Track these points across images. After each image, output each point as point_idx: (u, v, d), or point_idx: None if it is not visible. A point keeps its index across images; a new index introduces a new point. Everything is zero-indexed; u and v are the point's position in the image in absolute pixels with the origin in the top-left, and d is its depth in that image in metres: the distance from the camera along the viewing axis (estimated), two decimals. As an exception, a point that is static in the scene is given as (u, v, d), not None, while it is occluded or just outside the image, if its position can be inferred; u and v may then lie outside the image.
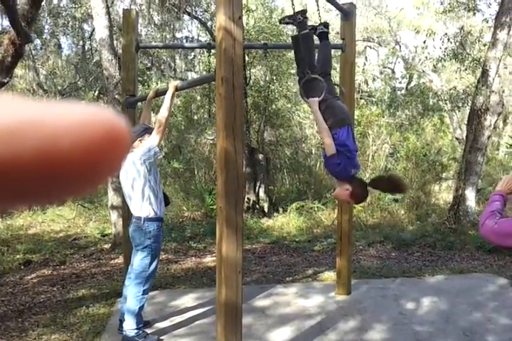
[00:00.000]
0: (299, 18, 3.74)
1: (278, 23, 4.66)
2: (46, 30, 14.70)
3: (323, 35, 3.95)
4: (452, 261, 6.68)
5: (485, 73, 8.22)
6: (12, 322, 4.21)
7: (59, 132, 0.22)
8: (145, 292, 3.78)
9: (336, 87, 4.10)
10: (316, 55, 3.94)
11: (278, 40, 10.20)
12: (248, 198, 9.70)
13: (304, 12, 3.82)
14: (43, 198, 0.23)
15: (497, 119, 9.65)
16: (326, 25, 4.00)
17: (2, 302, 4.78)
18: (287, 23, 3.97)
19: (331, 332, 3.99)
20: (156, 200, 3.77)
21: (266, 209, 9.75)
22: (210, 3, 11.59)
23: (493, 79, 8.24)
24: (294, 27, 4.06)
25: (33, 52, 14.63)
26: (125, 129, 0.24)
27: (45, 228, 8.44)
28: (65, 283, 5.46)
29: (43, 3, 8.04)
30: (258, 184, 9.97)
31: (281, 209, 9.67)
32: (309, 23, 4.09)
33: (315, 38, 3.91)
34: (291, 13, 3.85)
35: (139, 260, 3.75)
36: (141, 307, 3.78)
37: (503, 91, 11.14)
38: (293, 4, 3.65)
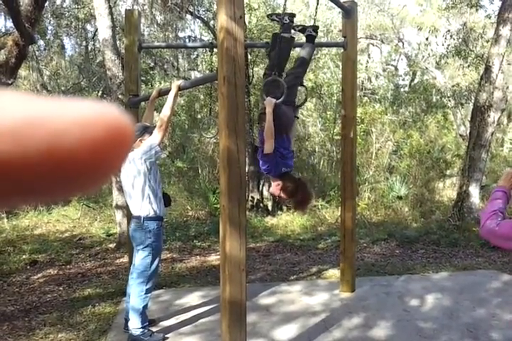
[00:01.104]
0: (285, 20, 3.84)
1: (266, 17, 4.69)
2: (49, 31, 14.75)
3: (310, 38, 4.04)
4: (456, 257, 6.69)
5: (488, 69, 8.20)
6: (19, 322, 4.25)
7: (64, 129, 0.22)
8: (148, 291, 3.81)
9: (300, 92, 4.27)
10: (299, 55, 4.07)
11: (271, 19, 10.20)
12: (252, 197, 9.72)
13: (292, 15, 3.95)
14: (46, 195, 0.23)
15: (500, 115, 9.64)
16: (315, 28, 4.09)
17: (9, 302, 4.82)
18: (273, 20, 4.07)
19: (336, 329, 4.01)
20: (155, 199, 3.79)
21: (270, 208, 9.77)
22: (213, 3, 11.61)
23: (497, 76, 8.22)
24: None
25: (37, 53, 14.69)
26: (130, 127, 0.24)
27: (51, 228, 8.49)
28: (71, 283, 5.50)
29: (46, 4, 8.07)
30: (262, 182, 9.99)
31: (285, 208, 9.69)
32: (304, 24, 4.21)
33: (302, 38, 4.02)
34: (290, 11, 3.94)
35: (141, 259, 3.77)
36: (145, 306, 3.80)
37: (507, 88, 11.12)
38: (285, 5, 3.77)
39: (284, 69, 3.86)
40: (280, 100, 3.59)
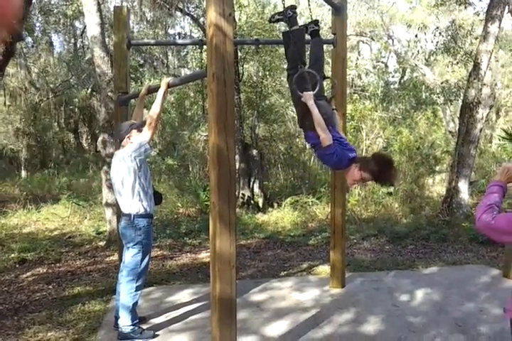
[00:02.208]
0: (288, 13, 3.77)
1: (268, 22, 4.60)
2: (37, 28, 14.62)
3: (315, 33, 3.98)
4: (445, 252, 6.75)
5: (476, 66, 8.26)
6: (8, 321, 4.22)
7: None
8: (138, 288, 3.80)
9: (326, 83, 4.15)
10: (308, 53, 3.98)
11: (270, 36, 10.21)
12: (243, 194, 9.73)
13: (293, 7, 3.84)
14: None
15: (489, 112, 9.71)
16: (316, 23, 4.03)
17: (-2, 301, 4.79)
18: (278, 21, 3.99)
19: (326, 325, 4.03)
20: (145, 197, 3.78)
21: (261, 205, 9.78)
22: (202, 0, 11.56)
23: (485, 73, 8.29)
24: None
25: (25, 50, 14.55)
26: None
27: (40, 226, 8.43)
28: (60, 281, 5.47)
29: (34, 1, 7.99)
30: (252, 179, 10.00)
31: (275, 204, 9.71)
32: (300, 21, 4.14)
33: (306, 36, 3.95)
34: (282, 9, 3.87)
35: (131, 257, 3.76)
36: (135, 304, 3.80)
37: (495, 85, 11.21)
38: (283, 0, 3.65)
39: (305, 61, 3.74)
40: (316, 90, 3.51)
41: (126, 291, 3.76)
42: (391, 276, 5.45)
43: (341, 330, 3.91)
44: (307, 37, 3.96)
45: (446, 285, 5.06)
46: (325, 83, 4.49)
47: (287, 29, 3.88)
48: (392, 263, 6.10)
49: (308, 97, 3.49)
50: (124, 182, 3.72)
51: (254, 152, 10.09)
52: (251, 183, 9.95)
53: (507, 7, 8.48)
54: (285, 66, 10.86)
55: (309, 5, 4.46)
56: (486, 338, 3.71)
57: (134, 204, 3.72)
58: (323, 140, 3.39)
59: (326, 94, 4.05)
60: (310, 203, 9.40)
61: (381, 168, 3.36)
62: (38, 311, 4.47)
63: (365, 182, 3.77)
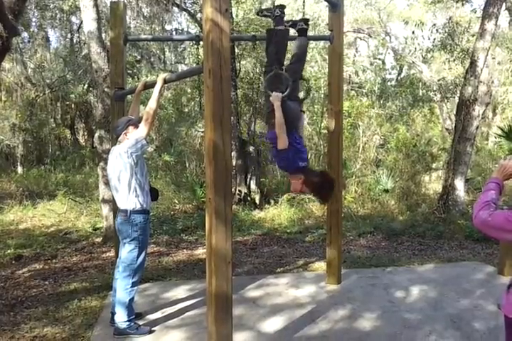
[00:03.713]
0: (276, 12, 3.84)
1: (256, 14, 4.67)
2: (34, 23, 14.55)
3: (302, 31, 4.04)
4: (441, 250, 6.77)
5: (473, 64, 8.27)
6: (4, 316, 4.22)
7: None
8: (134, 284, 3.81)
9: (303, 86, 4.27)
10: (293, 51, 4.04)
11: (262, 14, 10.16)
12: (240, 190, 9.72)
13: (282, 7, 3.92)
14: None
15: (485, 109, 9.73)
16: (306, 21, 4.09)
17: (-6, 297, 4.78)
18: (265, 16, 4.05)
19: (322, 321, 4.05)
20: (142, 193, 3.78)
21: (257, 201, 9.78)
22: (199, -5, 11.52)
23: (481, 70, 8.29)
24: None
25: (21, 45, 14.48)
26: None
27: (36, 223, 8.42)
28: (56, 277, 5.47)
29: (30, -4, 7.95)
30: (249, 176, 9.99)
31: (272, 201, 9.71)
32: (293, 18, 4.20)
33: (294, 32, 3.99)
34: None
35: (127, 253, 3.76)
36: (131, 300, 3.80)
37: (492, 82, 11.23)
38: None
39: (283, 62, 3.85)
40: (286, 93, 3.61)
41: (122, 287, 3.76)
42: (387, 273, 5.47)
43: (337, 326, 3.93)
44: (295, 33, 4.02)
45: (441, 281, 5.08)
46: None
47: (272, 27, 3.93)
48: (388, 260, 6.12)
49: (276, 98, 3.59)
50: (121, 178, 3.71)
51: (251, 148, 10.08)
52: (248, 180, 9.95)
53: (504, 5, 8.48)
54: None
55: (304, 3, 4.48)
56: (481, 334, 3.73)
57: (130, 200, 3.72)
58: (279, 143, 3.55)
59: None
60: (307, 200, 9.41)
61: (322, 188, 3.67)
62: (34, 307, 4.47)
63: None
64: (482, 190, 2.24)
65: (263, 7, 11.10)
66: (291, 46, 4.27)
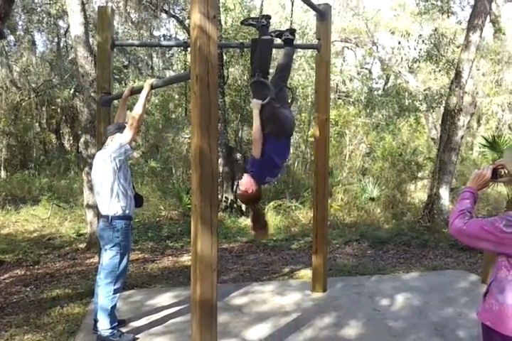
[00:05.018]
0: (262, 22, 3.88)
1: (240, 24, 4.68)
2: (20, 27, 14.44)
3: (288, 42, 4.07)
4: (426, 258, 6.81)
5: (458, 74, 8.39)
6: (-16, 323, 4.13)
7: None
8: (116, 291, 3.75)
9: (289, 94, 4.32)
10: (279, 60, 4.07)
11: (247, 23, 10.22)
12: (226, 197, 9.70)
13: (268, 17, 3.97)
14: None
15: (470, 120, 9.86)
16: (292, 32, 4.13)
17: (-27, 303, 4.69)
18: (249, 25, 4.07)
19: (307, 328, 4.03)
20: (124, 198, 3.73)
21: (243, 209, 9.75)
22: (188, 2, 11.55)
23: (466, 81, 8.42)
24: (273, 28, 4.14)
25: (6, 48, 14.34)
26: None
27: (19, 228, 8.29)
28: (38, 283, 5.38)
29: (17, -1, 7.89)
30: (236, 183, 9.97)
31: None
32: (281, 27, 4.25)
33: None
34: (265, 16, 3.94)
35: (108, 259, 3.71)
36: (114, 307, 3.75)
37: (476, 93, 11.39)
38: (262, 6, 3.74)
39: (268, 71, 3.86)
40: (265, 101, 3.61)
41: (104, 294, 3.71)
42: (372, 281, 5.48)
43: (322, 334, 3.92)
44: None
45: (426, 290, 5.10)
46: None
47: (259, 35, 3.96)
48: (373, 268, 6.13)
49: (255, 105, 3.64)
50: (104, 182, 3.68)
51: (238, 155, 10.08)
52: (234, 187, 9.92)
53: (488, 17, 8.64)
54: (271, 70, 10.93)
55: (292, 11, 4.52)
56: (465, 342, 3.75)
57: (112, 205, 3.68)
58: (253, 150, 3.61)
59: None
60: (293, 207, 9.42)
61: (254, 220, 3.84)
62: (15, 314, 4.39)
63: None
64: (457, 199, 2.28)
65: (252, 15, 11.18)
66: (279, 55, 4.31)
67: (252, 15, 11.12)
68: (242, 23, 4.20)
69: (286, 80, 4.12)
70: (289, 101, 4.32)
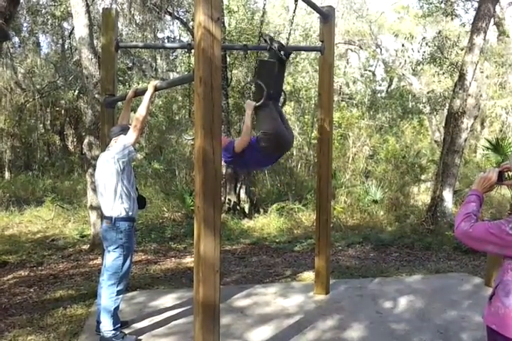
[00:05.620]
0: (274, 47, 3.99)
1: (259, 25, 4.85)
2: (25, 28, 14.50)
3: (281, 61, 4.26)
4: (429, 261, 6.79)
5: (462, 77, 8.38)
6: (-13, 324, 4.15)
7: None
8: (119, 292, 3.75)
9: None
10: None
11: (259, 42, 10.23)
12: (229, 199, 9.70)
13: (282, 45, 4.10)
14: None
15: (473, 122, 9.85)
16: (287, 55, 4.26)
17: (-23, 304, 4.70)
18: (264, 41, 4.22)
19: (310, 331, 4.02)
20: (128, 200, 3.74)
21: (247, 210, 9.75)
22: (192, 4, 11.58)
23: (470, 83, 8.40)
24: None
25: (11, 50, 14.41)
26: None
27: (23, 229, 8.32)
28: (42, 284, 5.39)
29: (22, 0, 7.93)
30: (239, 185, 9.97)
31: (262, 210, 9.69)
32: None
33: None
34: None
35: (112, 260, 3.71)
36: (117, 308, 3.75)
37: (480, 95, 11.38)
38: (264, 8, 3.89)
39: (278, 89, 4.10)
40: (260, 103, 3.74)
41: (107, 295, 3.71)
42: (375, 283, 5.47)
43: (325, 336, 3.91)
44: None
45: (429, 292, 5.09)
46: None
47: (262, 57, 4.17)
48: (376, 271, 6.12)
49: (248, 106, 3.88)
50: (107, 184, 3.68)
51: (241, 157, 10.07)
52: (237, 189, 9.93)
53: (492, 20, 8.63)
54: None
55: (294, 12, 4.54)
56: (468, 345, 3.74)
57: (115, 206, 3.69)
58: (237, 145, 3.86)
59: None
60: (296, 210, 9.41)
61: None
62: (18, 314, 4.40)
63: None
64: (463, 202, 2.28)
65: (255, 17, 11.19)
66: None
67: (256, 18, 11.14)
68: (260, 35, 4.55)
69: (280, 95, 4.30)
70: (282, 103, 4.47)
